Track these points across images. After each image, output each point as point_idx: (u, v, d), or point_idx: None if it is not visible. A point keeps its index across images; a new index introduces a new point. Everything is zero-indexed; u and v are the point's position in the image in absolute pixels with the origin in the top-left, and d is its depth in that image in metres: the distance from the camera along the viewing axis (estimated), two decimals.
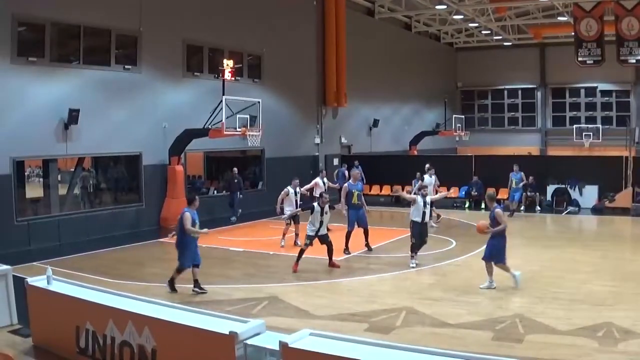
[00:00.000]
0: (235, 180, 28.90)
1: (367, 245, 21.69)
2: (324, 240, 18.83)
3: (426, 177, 26.99)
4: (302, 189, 23.34)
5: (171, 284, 16.36)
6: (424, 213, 19.09)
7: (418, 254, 19.12)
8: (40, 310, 11.85)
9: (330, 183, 26.42)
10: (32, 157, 23.84)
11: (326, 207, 18.61)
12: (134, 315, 10.09)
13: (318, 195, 24.36)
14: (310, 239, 18.60)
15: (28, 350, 11.70)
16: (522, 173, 30.58)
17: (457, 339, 12.17)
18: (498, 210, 16.48)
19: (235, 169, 29.27)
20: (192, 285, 16.20)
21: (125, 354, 10.12)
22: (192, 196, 16.95)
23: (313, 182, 25.47)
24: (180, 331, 9.47)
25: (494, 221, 16.32)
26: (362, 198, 21.89)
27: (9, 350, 11.24)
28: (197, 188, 31.22)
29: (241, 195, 28.97)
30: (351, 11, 40.48)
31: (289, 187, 22.52)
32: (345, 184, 22.50)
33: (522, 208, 31.43)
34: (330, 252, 18.91)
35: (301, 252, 18.63)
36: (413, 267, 18.84)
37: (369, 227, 21.78)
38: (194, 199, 16.49)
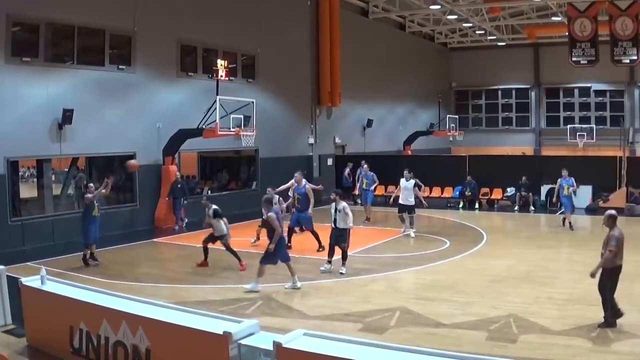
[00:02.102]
0: (179, 186, 27.45)
1: (320, 245, 21.52)
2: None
3: (402, 180, 25.24)
4: (278, 189, 23.13)
5: (84, 260, 19.51)
6: (335, 220, 18.58)
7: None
8: (34, 310, 11.84)
9: (309, 184, 25.79)
10: (26, 157, 23.82)
11: (210, 211, 19.61)
12: (128, 315, 10.09)
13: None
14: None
15: (22, 350, 11.69)
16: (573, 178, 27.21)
17: (451, 339, 12.19)
18: (271, 214, 16.25)
19: (178, 174, 27.99)
20: (187, 286, 16.24)
21: (119, 354, 10.11)
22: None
23: (290, 182, 25.13)
24: (174, 331, 9.48)
25: (269, 225, 16.36)
26: (305, 202, 21.98)
27: (3, 351, 11.25)
28: (191, 188, 31.15)
29: (185, 201, 27.76)
30: (345, 11, 40.47)
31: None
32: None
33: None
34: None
35: (231, 251, 19.46)
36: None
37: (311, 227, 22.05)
38: (87, 186, 20.30)
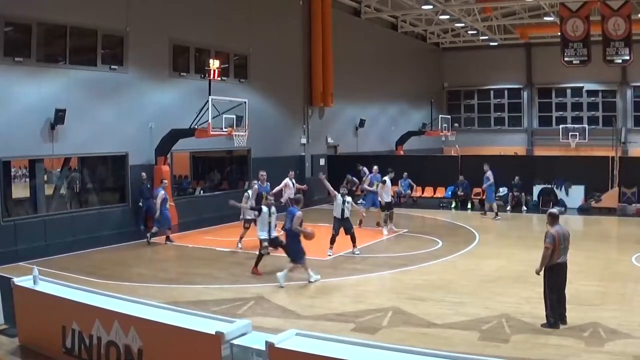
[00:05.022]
0: (149, 186, 26.88)
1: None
2: (278, 243, 18.71)
3: (387, 179, 25.91)
4: (272, 191, 23.01)
5: (152, 235, 23.30)
6: (342, 210, 20.65)
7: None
8: (27, 310, 11.81)
9: (298, 185, 26.17)
10: (19, 157, 23.74)
11: (273, 208, 18.57)
12: (121, 315, 10.08)
13: (288, 198, 24.34)
14: (266, 242, 18.43)
15: (14, 350, 11.67)
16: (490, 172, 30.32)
17: (443, 339, 12.20)
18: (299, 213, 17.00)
19: (144, 174, 27.07)
20: (179, 286, 16.27)
21: (111, 354, 10.10)
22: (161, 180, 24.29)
23: (283, 183, 25.29)
24: (166, 331, 9.47)
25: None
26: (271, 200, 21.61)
27: None
28: (184, 188, 31.11)
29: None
30: (337, 11, 40.52)
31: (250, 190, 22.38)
32: (255, 186, 22.10)
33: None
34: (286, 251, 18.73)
35: (260, 257, 18.41)
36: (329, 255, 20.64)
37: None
38: (160, 182, 24.04)
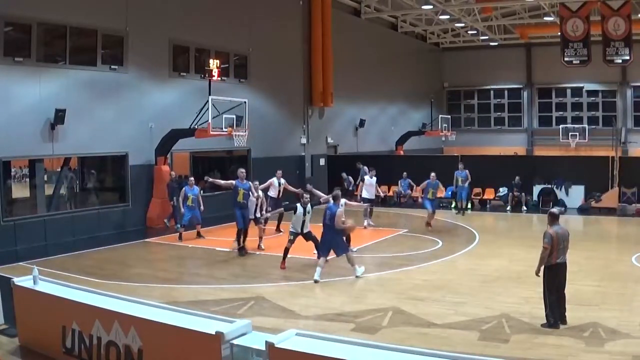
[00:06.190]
0: (176, 185, 26.65)
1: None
2: (310, 237, 18.91)
3: (367, 177, 27.26)
4: (260, 186, 23.31)
5: (180, 236, 23.97)
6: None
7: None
8: (27, 310, 11.81)
9: (287, 185, 26.11)
10: (19, 157, 23.70)
11: (308, 207, 18.78)
12: (120, 315, 10.08)
13: (272, 196, 24.44)
14: (292, 235, 18.83)
15: (14, 350, 11.66)
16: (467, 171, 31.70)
17: (443, 339, 12.19)
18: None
19: (173, 172, 27.46)
20: (179, 286, 16.29)
21: (111, 354, 10.10)
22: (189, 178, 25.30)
23: (268, 181, 25.34)
24: (166, 331, 9.47)
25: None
26: (248, 197, 21.79)
27: None
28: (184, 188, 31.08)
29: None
30: (337, 11, 40.46)
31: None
32: (234, 181, 21.93)
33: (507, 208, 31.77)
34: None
35: (286, 250, 18.78)
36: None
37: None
38: (188, 179, 25.08)
